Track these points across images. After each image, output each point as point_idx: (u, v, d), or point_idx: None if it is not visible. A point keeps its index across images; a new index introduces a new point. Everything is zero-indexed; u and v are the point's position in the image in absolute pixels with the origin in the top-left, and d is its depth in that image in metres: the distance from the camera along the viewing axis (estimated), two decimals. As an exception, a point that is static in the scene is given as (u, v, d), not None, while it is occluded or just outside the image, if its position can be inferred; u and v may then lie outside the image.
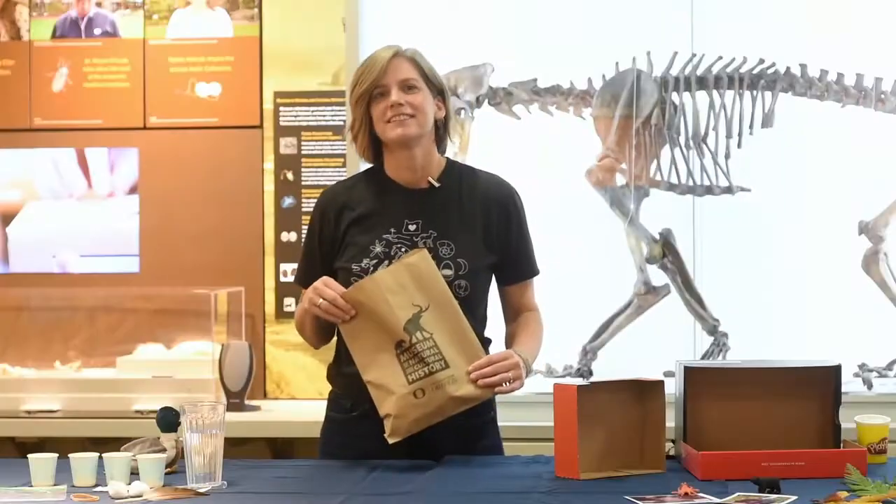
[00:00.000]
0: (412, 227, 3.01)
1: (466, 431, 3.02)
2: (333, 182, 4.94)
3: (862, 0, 4.49)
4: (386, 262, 2.97)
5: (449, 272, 2.97)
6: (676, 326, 4.48)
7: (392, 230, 3.00)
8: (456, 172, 3.09)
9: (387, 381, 2.87)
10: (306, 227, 3.19)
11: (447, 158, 3.11)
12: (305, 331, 3.08)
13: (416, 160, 3.02)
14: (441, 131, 3.07)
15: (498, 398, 3.06)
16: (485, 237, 3.03)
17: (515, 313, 3.13)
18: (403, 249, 2.98)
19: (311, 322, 3.01)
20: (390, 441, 2.88)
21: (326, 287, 2.89)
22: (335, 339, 3.09)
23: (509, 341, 3.10)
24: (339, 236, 3.03)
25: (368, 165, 3.14)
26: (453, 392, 2.87)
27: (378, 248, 2.99)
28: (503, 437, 3.18)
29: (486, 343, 3.06)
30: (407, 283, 2.89)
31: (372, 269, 2.97)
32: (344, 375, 3.02)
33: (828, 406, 2.89)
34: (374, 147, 3.07)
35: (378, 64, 2.98)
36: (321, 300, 2.88)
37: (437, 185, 3.04)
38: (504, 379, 2.89)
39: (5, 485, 2.70)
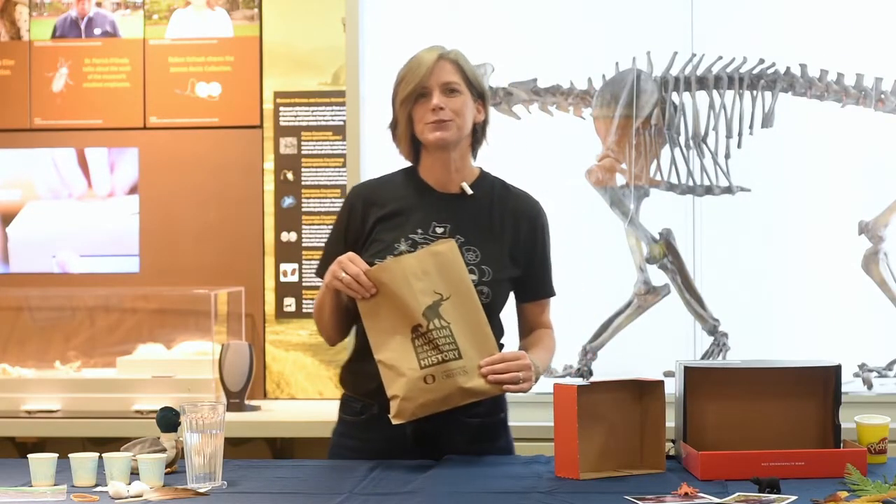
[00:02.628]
0: (439, 230, 3.02)
1: (477, 432, 3.03)
2: (332, 182, 5.02)
3: (862, 0, 4.49)
4: None
5: (473, 277, 2.97)
6: (676, 326, 4.48)
7: (419, 230, 3.02)
8: (489, 183, 3.11)
9: (398, 363, 2.88)
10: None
11: (481, 169, 3.13)
12: (324, 317, 3.06)
13: (451, 163, 3.04)
14: (478, 135, 3.09)
15: (508, 398, 3.07)
16: (511, 250, 3.05)
17: (530, 330, 3.16)
18: None
19: (331, 304, 3.01)
20: (394, 422, 2.88)
21: (351, 262, 2.90)
22: (352, 339, 3.09)
23: None
24: (365, 231, 3.05)
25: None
26: (463, 383, 2.88)
27: (403, 247, 3.00)
28: (505, 437, 3.17)
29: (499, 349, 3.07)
30: (431, 270, 2.90)
31: None
32: (355, 374, 3.03)
33: (828, 406, 2.89)
34: (413, 147, 3.08)
35: (423, 66, 2.99)
36: (344, 274, 2.88)
37: (469, 191, 3.05)
38: (514, 378, 2.90)
39: (5, 485, 2.71)
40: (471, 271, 2.98)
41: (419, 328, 2.88)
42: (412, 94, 3.00)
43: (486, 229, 3.03)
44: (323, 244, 3.16)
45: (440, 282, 2.90)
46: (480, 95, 3.06)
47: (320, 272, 3.06)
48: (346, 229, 3.07)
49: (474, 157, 3.11)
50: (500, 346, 3.08)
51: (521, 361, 2.92)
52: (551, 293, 3.17)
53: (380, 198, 3.07)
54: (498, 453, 3.04)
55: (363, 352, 3.00)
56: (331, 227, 3.15)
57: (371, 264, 2.96)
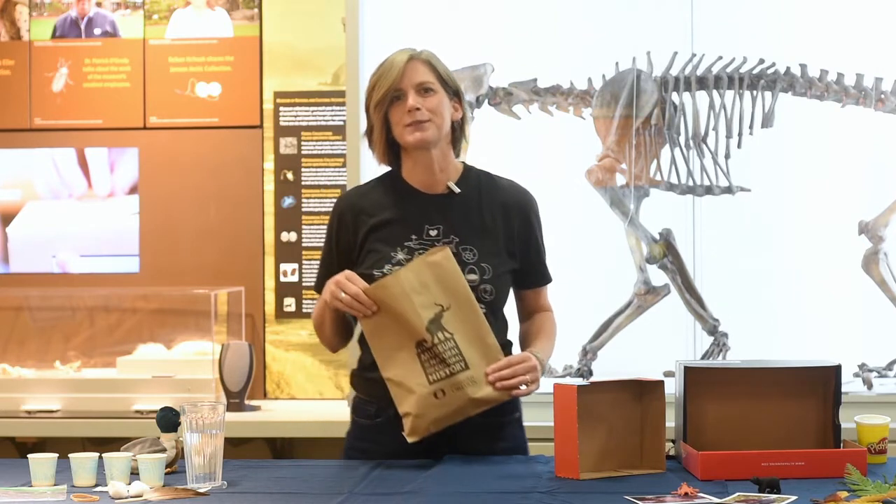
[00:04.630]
0: (433, 233, 3.01)
1: (490, 431, 3.02)
2: (332, 182, 5.02)
3: (862, 0, 4.49)
4: None
5: (474, 277, 2.97)
6: (676, 326, 4.48)
7: (413, 237, 3.00)
8: (474, 178, 3.09)
9: (407, 380, 2.88)
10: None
11: (464, 163, 3.12)
12: (325, 330, 3.06)
13: (433, 163, 3.03)
14: (457, 132, 3.08)
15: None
16: (506, 243, 3.04)
17: (530, 314, 3.16)
18: None
19: (331, 319, 3.01)
20: (409, 440, 2.88)
21: (349, 282, 2.89)
22: (355, 342, 3.09)
23: (523, 339, 3.14)
24: (357, 242, 3.03)
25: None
26: (472, 394, 2.89)
27: (400, 255, 2.99)
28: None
29: (507, 346, 3.06)
30: (429, 281, 2.89)
31: None
32: (367, 380, 3.02)
33: (828, 406, 2.89)
34: (392, 151, 3.06)
35: (395, 68, 2.98)
36: (343, 294, 2.88)
37: (457, 190, 3.04)
38: (521, 382, 2.92)
39: (5, 485, 2.71)
40: (471, 271, 2.97)
41: (424, 343, 2.88)
42: (385, 97, 2.98)
43: (479, 226, 3.03)
44: (322, 244, 3.15)
45: (439, 292, 2.90)
46: (455, 94, 3.05)
47: (318, 287, 3.06)
48: (336, 242, 3.06)
49: (456, 154, 3.10)
50: (508, 344, 3.07)
51: (527, 364, 2.93)
52: (548, 280, 3.16)
53: (368, 206, 3.05)
54: (509, 452, 3.04)
55: (372, 357, 2.99)
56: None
57: (369, 277, 2.94)
